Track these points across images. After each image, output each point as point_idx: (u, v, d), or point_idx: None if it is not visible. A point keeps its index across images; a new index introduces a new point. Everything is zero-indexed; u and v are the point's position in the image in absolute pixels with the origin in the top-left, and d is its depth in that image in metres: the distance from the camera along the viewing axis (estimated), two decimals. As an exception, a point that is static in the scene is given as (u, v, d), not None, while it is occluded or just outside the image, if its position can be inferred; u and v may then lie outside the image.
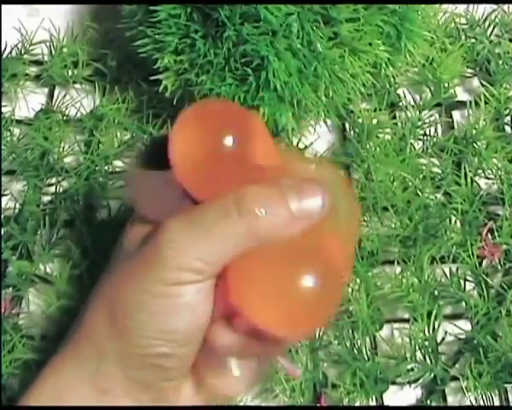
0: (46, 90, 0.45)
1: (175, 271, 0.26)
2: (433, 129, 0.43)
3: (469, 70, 0.46)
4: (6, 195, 0.41)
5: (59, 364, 0.28)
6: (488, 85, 0.44)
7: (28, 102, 0.44)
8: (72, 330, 0.29)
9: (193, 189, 0.28)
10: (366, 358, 0.36)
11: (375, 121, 0.43)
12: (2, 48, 0.45)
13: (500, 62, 0.45)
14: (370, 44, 0.38)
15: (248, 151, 0.27)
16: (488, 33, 0.46)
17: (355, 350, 0.37)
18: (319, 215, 0.27)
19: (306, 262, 0.26)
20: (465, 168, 0.41)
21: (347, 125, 0.44)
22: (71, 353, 0.28)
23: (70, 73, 0.45)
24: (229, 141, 0.27)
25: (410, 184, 0.41)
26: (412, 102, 0.44)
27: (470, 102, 0.44)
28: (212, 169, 0.27)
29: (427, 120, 0.43)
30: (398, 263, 0.39)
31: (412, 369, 0.36)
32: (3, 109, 0.44)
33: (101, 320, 0.28)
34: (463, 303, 0.38)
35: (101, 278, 0.30)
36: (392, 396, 0.37)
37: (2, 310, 0.37)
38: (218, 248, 0.26)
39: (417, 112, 0.44)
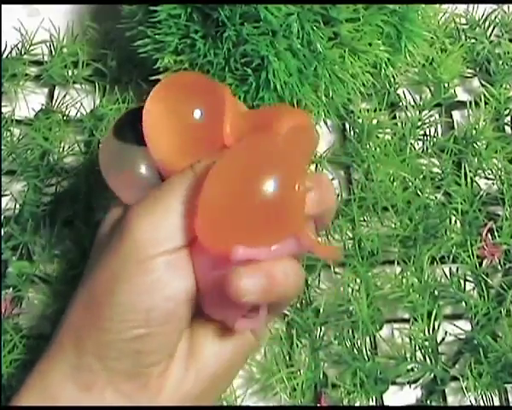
0: (46, 90, 0.45)
1: (143, 244, 0.26)
2: (433, 129, 0.43)
3: (469, 70, 0.46)
4: (6, 195, 0.41)
5: (46, 362, 0.28)
6: (488, 86, 0.44)
7: (28, 102, 0.44)
8: (60, 324, 0.29)
9: (166, 163, 0.28)
10: (366, 358, 0.36)
11: (375, 121, 0.43)
12: (3, 48, 0.45)
13: (500, 62, 0.45)
14: (370, 44, 0.39)
15: (217, 123, 0.28)
16: (488, 33, 0.46)
17: (355, 350, 0.37)
18: None
19: (264, 169, 0.26)
20: (465, 168, 0.41)
21: (347, 126, 0.44)
22: (55, 348, 0.28)
23: (70, 73, 0.45)
24: (197, 114, 0.27)
25: (410, 184, 0.41)
26: (412, 103, 0.44)
27: (470, 103, 0.44)
28: (182, 142, 0.28)
29: (427, 121, 0.43)
30: (398, 263, 0.39)
31: (412, 369, 0.36)
32: (3, 109, 0.44)
33: (79, 311, 0.28)
34: (463, 303, 0.38)
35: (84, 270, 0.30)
36: (392, 396, 0.37)
37: (3, 310, 0.37)
38: (177, 206, 0.27)
39: (417, 112, 0.44)
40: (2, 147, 0.42)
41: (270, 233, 0.26)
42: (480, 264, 0.39)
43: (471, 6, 0.47)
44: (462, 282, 0.38)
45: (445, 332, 0.37)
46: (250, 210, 0.25)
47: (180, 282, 0.27)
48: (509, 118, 0.44)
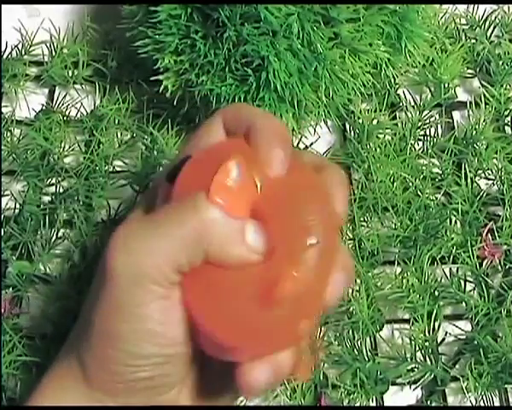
0: (46, 90, 0.45)
1: (125, 283, 0.25)
2: (433, 129, 0.43)
3: (469, 70, 0.46)
4: (6, 195, 0.41)
5: (57, 380, 0.27)
6: (488, 86, 0.44)
7: (29, 102, 0.44)
8: (69, 342, 0.28)
9: None
10: (366, 358, 0.36)
11: (375, 122, 0.43)
12: (3, 48, 0.45)
13: (500, 63, 0.45)
14: (371, 45, 0.38)
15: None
16: (488, 34, 0.46)
17: (355, 351, 0.37)
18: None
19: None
20: (465, 169, 0.41)
21: (348, 126, 0.44)
22: (67, 372, 0.27)
23: (70, 73, 0.45)
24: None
25: (411, 184, 0.41)
26: (412, 103, 0.44)
27: (470, 103, 0.44)
28: None
29: (427, 121, 0.43)
30: (398, 263, 0.39)
31: (412, 369, 0.36)
32: (4, 110, 0.44)
33: (86, 345, 0.26)
34: (464, 304, 0.38)
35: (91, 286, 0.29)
36: (392, 397, 0.37)
37: (2, 310, 0.37)
38: (169, 244, 0.25)
39: (417, 112, 0.44)
40: (3, 147, 0.42)
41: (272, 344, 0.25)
42: (481, 264, 0.39)
43: (471, 6, 0.47)
44: (462, 282, 0.38)
45: (446, 333, 0.37)
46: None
47: (176, 328, 0.25)
48: (509, 118, 0.44)
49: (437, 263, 0.39)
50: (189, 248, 0.24)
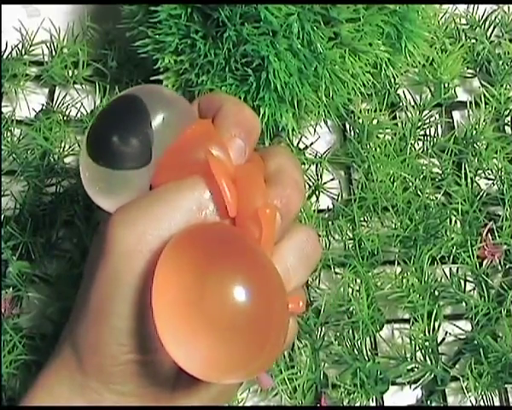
0: (46, 90, 0.45)
1: (129, 261, 0.24)
2: (433, 129, 0.43)
3: (469, 70, 0.46)
4: (6, 195, 0.41)
5: (53, 373, 0.28)
6: (488, 86, 0.44)
7: (29, 102, 0.44)
8: (64, 334, 0.28)
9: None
10: (366, 358, 0.36)
11: (375, 122, 0.43)
12: (3, 48, 0.45)
13: (500, 63, 0.45)
14: (371, 45, 0.38)
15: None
16: (488, 34, 0.46)
17: (355, 350, 0.37)
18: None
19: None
20: (465, 169, 0.41)
21: (348, 126, 0.44)
22: (61, 363, 0.27)
23: (70, 73, 0.45)
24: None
25: (411, 184, 0.41)
26: (412, 103, 0.44)
27: (470, 103, 0.44)
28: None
29: (427, 121, 0.43)
30: (398, 263, 0.39)
31: (412, 369, 0.36)
32: (4, 110, 0.44)
33: (80, 330, 0.27)
34: (464, 304, 0.38)
35: (83, 277, 0.29)
36: (392, 397, 0.37)
37: (3, 310, 0.37)
38: (166, 217, 0.25)
39: (417, 112, 0.44)
40: (3, 147, 0.42)
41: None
42: (481, 264, 0.39)
43: (471, 6, 0.47)
44: (462, 282, 0.38)
45: (446, 332, 0.37)
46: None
47: None
48: (509, 118, 0.44)
49: (437, 263, 0.39)
50: (189, 216, 0.25)
